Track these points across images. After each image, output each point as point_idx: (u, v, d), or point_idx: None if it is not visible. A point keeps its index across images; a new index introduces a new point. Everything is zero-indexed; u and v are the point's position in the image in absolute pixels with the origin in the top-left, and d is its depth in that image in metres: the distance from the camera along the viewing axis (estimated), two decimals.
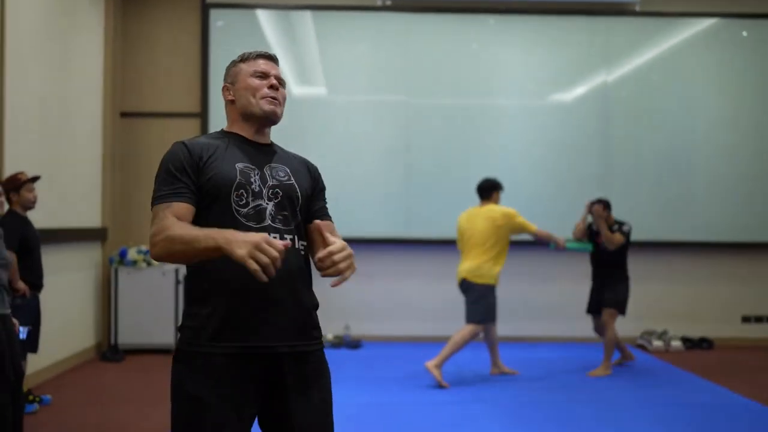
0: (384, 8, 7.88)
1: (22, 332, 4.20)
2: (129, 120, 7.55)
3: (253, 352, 2.06)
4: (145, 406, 5.07)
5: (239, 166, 2.15)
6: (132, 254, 7.06)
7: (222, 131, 2.29)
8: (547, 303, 7.76)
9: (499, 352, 6.22)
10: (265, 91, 2.23)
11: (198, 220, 2.08)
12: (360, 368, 6.45)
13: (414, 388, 5.65)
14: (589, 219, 6.42)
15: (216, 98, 7.74)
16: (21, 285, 4.63)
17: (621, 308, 6.26)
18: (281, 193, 2.17)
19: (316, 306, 2.24)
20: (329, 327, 7.73)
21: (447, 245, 7.72)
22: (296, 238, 2.18)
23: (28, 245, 4.74)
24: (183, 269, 2.31)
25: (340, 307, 7.78)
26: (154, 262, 7.06)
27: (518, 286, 7.49)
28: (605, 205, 6.34)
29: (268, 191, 2.16)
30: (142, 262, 7.05)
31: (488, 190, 6.12)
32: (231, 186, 2.10)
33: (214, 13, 7.79)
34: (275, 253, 1.83)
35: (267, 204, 2.14)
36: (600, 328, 6.43)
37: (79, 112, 6.64)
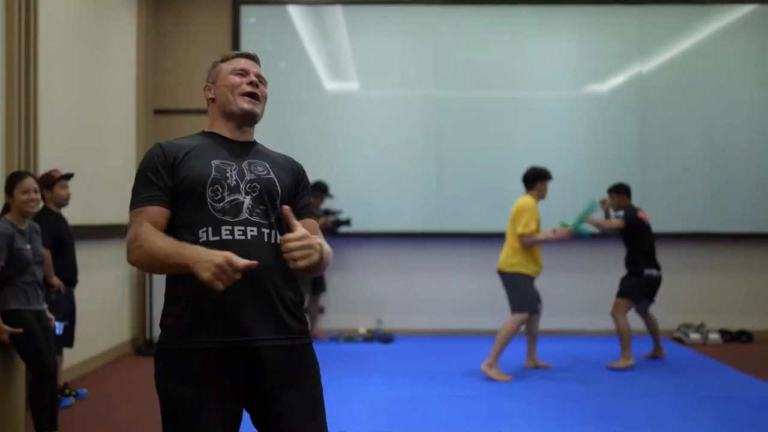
0: (415, 1, 7.85)
1: (58, 328, 4.29)
2: (162, 117, 7.63)
3: (230, 347, 2.04)
4: None
5: (215, 162, 2.14)
6: None
7: (203, 131, 2.29)
8: (578, 295, 7.68)
9: (537, 346, 6.17)
10: (245, 87, 2.23)
11: (176, 217, 2.10)
12: (392, 362, 6.45)
13: (445, 381, 5.63)
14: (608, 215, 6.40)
15: None
16: (56, 281, 4.71)
17: (629, 297, 6.16)
18: (259, 187, 2.14)
19: (298, 300, 2.19)
20: (362, 321, 7.75)
21: (479, 238, 7.71)
22: (276, 232, 2.14)
23: (62, 242, 4.82)
24: None
25: (373, 301, 7.80)
26: None
27: (548, 280, 7.42)
28: (620, 190, 6.30)
29: (246, 185, 2.14)
30: None
31: (528, 180, 6.03)
32: (206, 182, 2.10)
33: (245, 10, 7.83)
34: (236, 276, 1.88)
35: (244, 198, 2.11)
36: (644, 317, 6.37)
37: (112, 109, 6.72)
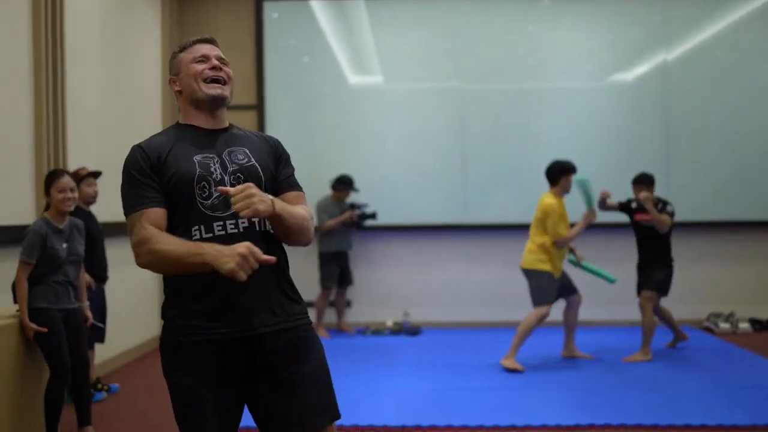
0: None
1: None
2: None
3: (229, 338, 2.09)
4: None
5: (197, 158, 2.15)
6: None
7: (177, 124, 2.29)
8: (594, 286, 7.63)
9: (575, 336, 6.17)
10: (207, 72, 2.22)
11: (172, 216, 2.13)
12: (419, 354, 6.47)
13: (472, 373, 5.64)
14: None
15: (272, 90, 7.84)
16: (87, 278, 4.77)
17: (659, 290, 6.05)
18: (243, 177, 2.16)
19: (289, 285, 2.22)
20: (388, 314, 7.77)
21: (504, 230, 7.70)
22: (264, 220, 2.15)
23: (92, 239, 4.88)
24: None
25: (400, 294, 7.82)
26: None
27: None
28: (646, 181, 6.12)
29: (230, 177, 2.15)
30: None
31: (552, 174, 5.91)
32: (192, 180, 2.11)
33: (268, 6, 7.87)
34: (256, 265, 1.92)
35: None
36: (656, 310, 6.27)
37: (138, 106, 6.80)
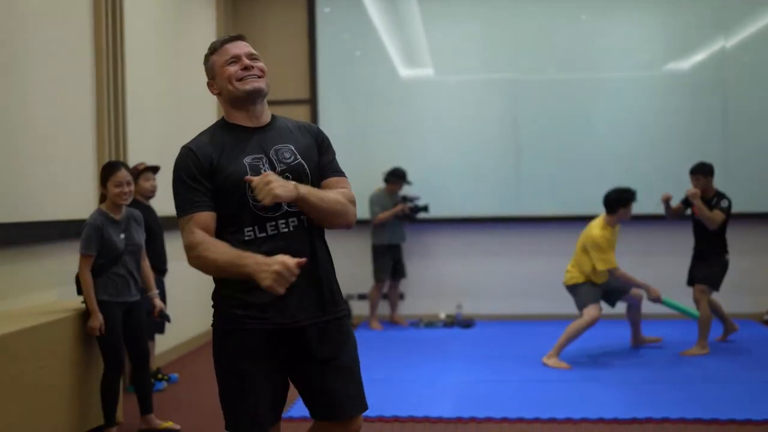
0: None
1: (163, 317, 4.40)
2: None
3: (278, 329, 2.23)
4: None
5: (247, 160, 2.24)
6: None
7: (223, 122, 2.35)
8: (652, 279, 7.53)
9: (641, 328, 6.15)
10: (240, 73, 2.28)
11: (221, 217, 2.24)
12: (472, 347, 6.47)
13: (526, 366, 5.62)
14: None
15: (325, 84, 7.90)
16: None
17: (712, 284, 5.92)
18: (291, 177, 2.24)
19: (332, 279, 2.35)
20: (441, 306, 7.78)
21: (558, 222, 7.65)
22: (309, 218, 2.26)
23: (152, 232, 4.98)
24: None
25: (453, 286, 7.82)
26: None
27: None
28: (706, 171, 5.94)
29: (280, 176, 2.21)
30: None
31: (610, 204, 5.70)
32: (244, 184, 2.19)
33: (320, 1, 7.91)
34: (292, 278, 2.05)
35: None
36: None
37: (195, 103, 6.91)
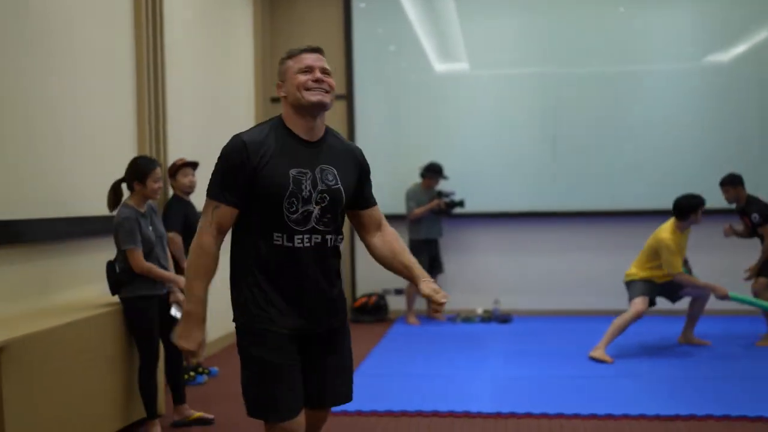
0: None
1: (175, 312, 4.22)
2: (278, 105, 7.83)
3: (298, 334, 2.48)
4: None
5: (292, 172, 2.38)
6: None
7: (281, 123, 2.46)
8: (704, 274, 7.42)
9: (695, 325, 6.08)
10: (310, 83, 2.41)
11: (252, 217, 2.41)
12: (510, 342, 6.45)
13: (565, 362, 5.59)
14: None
15: (361, 80, 7.91)
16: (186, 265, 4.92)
17: None
18: (328, 198, 2.43)
19: (341, 290, 2.60)
20: (479, 302, 7.76)
21: (595, 217, 7.58)
22: (334, 236, 2.49)
23: (192, 227, 5.02)
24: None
25: (490, 281, 7.80)
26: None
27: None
28: (735, 182, 6.01)
29: (317, 196, 2.41)
30: None
31: (681, 209, 5.66)
32: (284, 195, 2.36)
33: None
34: (194, 360, 2.39)
35: (314, 208, 2.40)
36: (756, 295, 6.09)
37: (233, 99, 6.97)
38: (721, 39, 7.55)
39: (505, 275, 7.80)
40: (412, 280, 2.61)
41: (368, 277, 7.95)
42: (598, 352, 5.59)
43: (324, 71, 2.45)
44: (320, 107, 2.41)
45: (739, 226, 6.30)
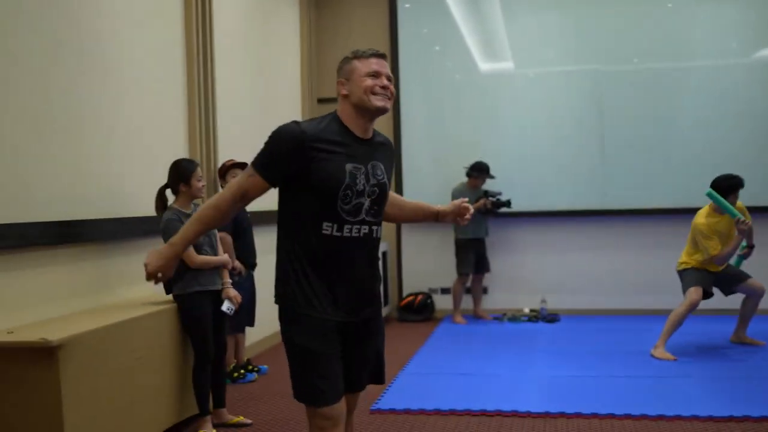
0: None
1: (227, 307, 4.25)
2: (325, 105, 7.88)
3: (340, 321, 2.54)
4: None
5: (348, 167, 2.46)
6: None
7: (337, 118, 2.53)
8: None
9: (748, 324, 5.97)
10: (378, 89, 2.49)
11: (304, 205, 2.47)
12: (558, 341, 6.40)
13: (614, 361, 5.53)
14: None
15: (406, 79, 7.92)
16: (237, 264, 5.00)
17: None
18: (378, 191, 2.54)
19: (379, 283, 2.68)
20: (525, 301, 7.72)
21: (643, 215, 7.49)
22: (378, 227, 2.60)
23: (241, 227, 5.11)
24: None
25: (536, 280, 7.76)
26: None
27: None
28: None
29: (370, 189, 2.51)
30: None
31: (716, 190, 5.49)
32: (339, 187, 2.43)
33: None
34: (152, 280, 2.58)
35: (365, 200, 2.50)
36: None
37: (280, 99, 7.04)
38: None
39: (552, 275, 7.75)
40: (429, 213, 2.84)
41: (415, 276, 7.97)
42: (659, 351, 5.53)
43: (389, 78, 2.53)
44: (383, 112, 2.51)
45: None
